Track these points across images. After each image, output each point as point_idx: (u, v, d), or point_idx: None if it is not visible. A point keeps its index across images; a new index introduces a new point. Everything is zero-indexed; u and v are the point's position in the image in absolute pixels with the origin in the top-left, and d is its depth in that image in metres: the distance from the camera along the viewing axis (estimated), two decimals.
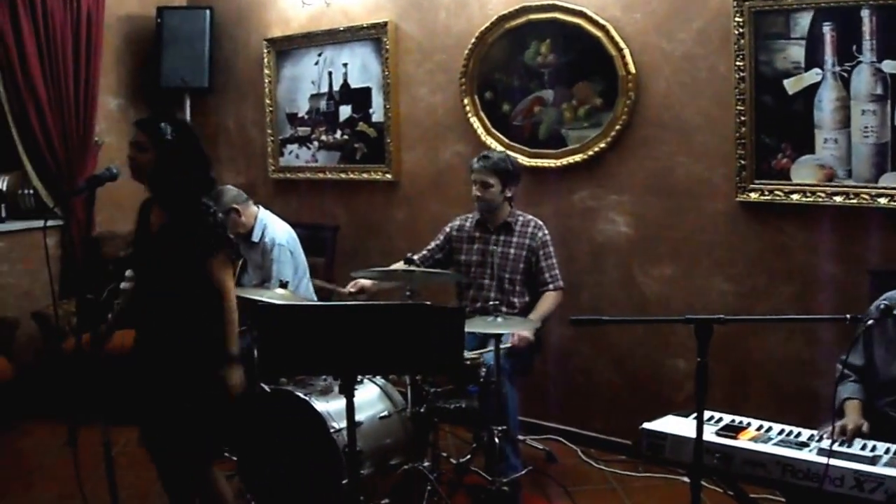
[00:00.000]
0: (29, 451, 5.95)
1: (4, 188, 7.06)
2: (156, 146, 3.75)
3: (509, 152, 5.60)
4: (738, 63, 4.84)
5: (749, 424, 3.56)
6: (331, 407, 4.43)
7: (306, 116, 7.12)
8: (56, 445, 5.89)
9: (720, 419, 3.65)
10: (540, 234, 5.26)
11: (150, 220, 3.92)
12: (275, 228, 5.69)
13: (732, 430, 3.45)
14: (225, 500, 4.07)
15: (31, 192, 7.02)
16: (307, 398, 4.47)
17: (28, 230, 6.88)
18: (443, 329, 3.33)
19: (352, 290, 5.22)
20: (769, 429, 3.53)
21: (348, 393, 3.47)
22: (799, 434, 3.46)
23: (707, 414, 3.36)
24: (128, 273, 6.23)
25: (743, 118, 4.87)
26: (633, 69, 5.29)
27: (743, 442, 3.35)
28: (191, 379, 3.79)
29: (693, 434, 3.07)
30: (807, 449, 3.26)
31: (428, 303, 3.47)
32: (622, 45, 5.30)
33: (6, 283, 6.84)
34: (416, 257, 5.22)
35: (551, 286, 5.21)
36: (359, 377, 4.56)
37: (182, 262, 3.74)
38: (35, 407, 6.46)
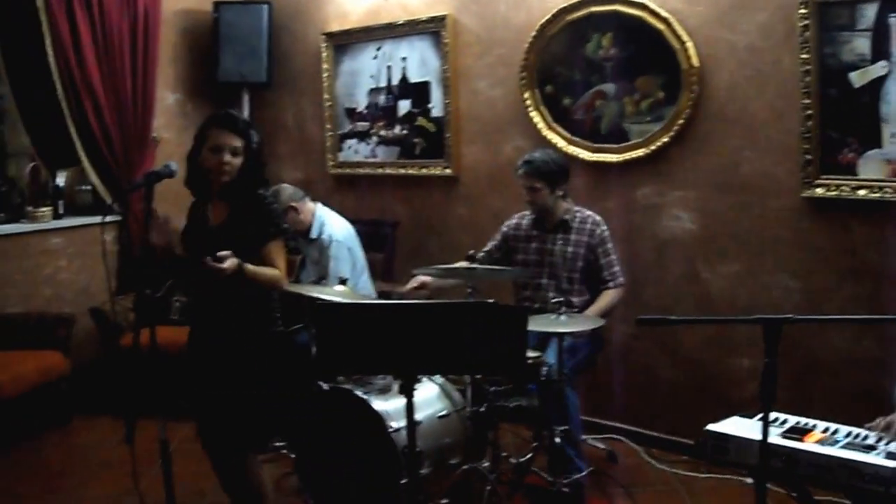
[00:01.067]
0: (85, 447, 6.10)
1: (62, 184, 7.24)
2: (246, 152, 3.95)
3: (548, 152, 5.63)
4: (802, 56, 4.87)
5: (815, 427, 3.54)
6: (389, 406, 4.51)
7: (365, 111, 7.25)
8: (112, 441, 6.06)
9: (785, 421, 3.64)
10: (598, 230, 5.28)
11: (208, 217, 4.08)
12: (332, 225, 5.80)
13: (798, 433, 3.43)
14: (264, 491, 4.21)
15: (89, 188, 7.22)
16: (365, 397, 4.56)
17: (86, 226, 7.08)
18: (506, 328, 3.34)
19: (413, 285, 5.30)
20: (836, 431, 3.50)
21: (408, 393, 3.52)
22: (866, 437, 3.43)
23: (772, 415, 3.38)
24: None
25: (808, 112, 4.89)
26: (696, 62, 5.34)
27: (809, 445, 3.32)
28: (252, 366, 3.95)
29: (758, 436, 3.07)
30: (874, 452, 3.23)
31: (491, 301, 3.49)
32: (685, 37, 5.34)
33: (64, 279, 7.04)
34: (473, 254, 5.23)
35: (611, 283, 5.24)
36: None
37: (244, 250, 3.86)
38: (92, 403, 6.66)
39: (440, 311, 3.41)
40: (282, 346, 4.08)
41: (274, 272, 3.94)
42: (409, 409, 3.55)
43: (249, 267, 3.83)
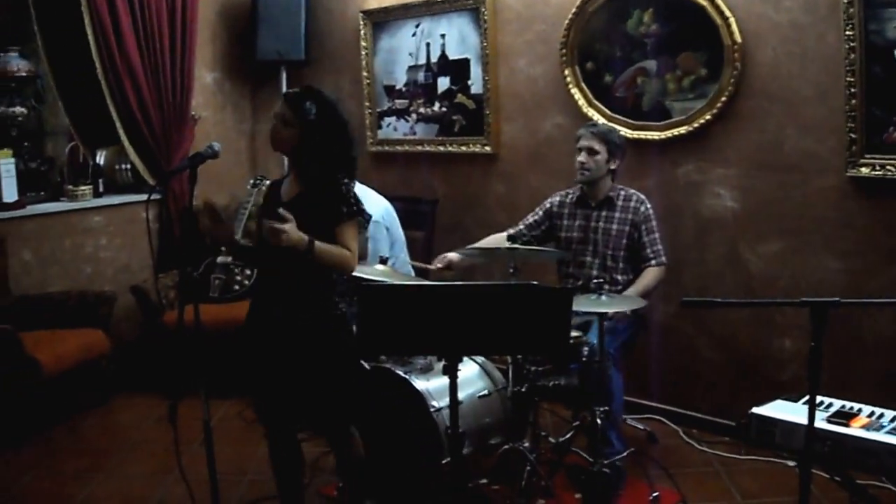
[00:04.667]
0: (125, 426, 6.22)
1: (102, 163, 7.34)
2: (299, 124, 3.93)
3: (613, 125, 5.67)
4: (847, 32, 4.81)
5: (860, 411, 3.55)
6: (431, 385, 4.58)
7: (404, 89, 7.27)
8: (152, 420, 6.17)
9: (830, 404, 3.65)
10: (642, 208, 5.30)
11: (281, 194, 4.12)
12: (370, 202, 5.75)
13: (844, 417, 3.44)
14: (362, 459, 4.27)
15: (128, 166, 7.32)
16: (407, 376, 4.62)
17: (126, 204, 7.20)
18: (550, 311, 3.35)
19: (439, 265, 5.31)
20: (881, 415, 3.51)
21: (452, 375, 3.52)
22: None
23: (817, 398, 3.38)
24: (223, 247, 6.47)
25: (853, 90, 4.84)
26: (738, 38, 5.30)
27: (855, 430, 3.34)
28: (325, 341, 3.99)
29: (804, 421, 3.08)
30: None
31: (535, 283, 3.48)
32: (727, 13, 5.30)
33: (104, 257, 7.15)
34: (512, 232, 5.24)
35: (654, 262, 5.25)
36: None
37: (316, 228, 3.89)
38: (132, 381, 6.78)
39: (485, 293, 3.42)
40: (344, 326, 4.09)
41: (344, 252, 3.93)
42: (453, 390, 3.55)
43: (320, 244, 3.84)
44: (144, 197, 7.06)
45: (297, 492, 4.38)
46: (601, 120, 5.87)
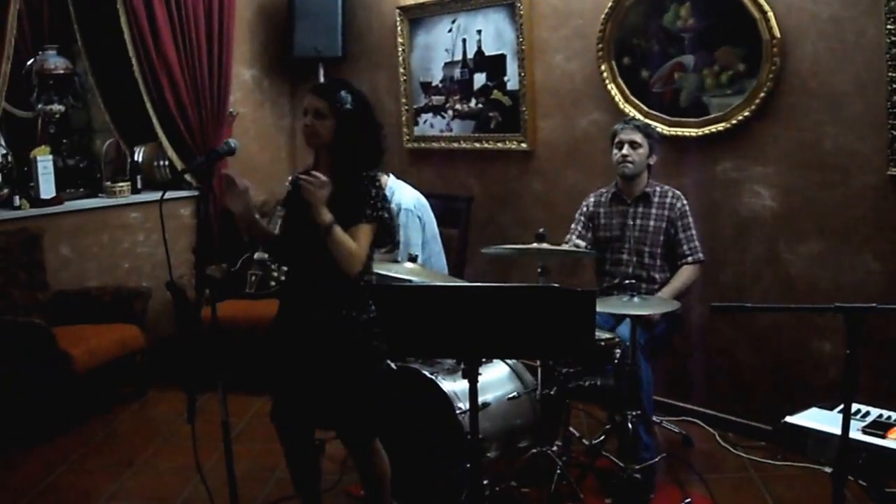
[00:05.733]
0: (159, 421, 6.19)
1: (140, 160, 7.34)
2: (336, 114, 3.79)
3: (649, 121, 5.54)
4: (888, 27, 4.65)
5: None
6: (458, 387, 4.45)
7: (440, 85, 7.18)
8: (185, 415, 6.10)
9: (867, 413, 3.50)
10: (679, 203, 5.21)
11: None
12: (403, 193, 5.73)
13: (880, 428, 3.30)
14: (386, 474, 4.14)
15: (166, 163, 7.31)
16: (433, 377, 4.51)
17: (163, 200, 7.10)
18: (573, 313, 3.25)
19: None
20: None
21: (472, 378, 3.44)
22: None
23: (853, 407, 3.21)
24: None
25: (894, 86, 4.68)
26: (777, 33, 5.14)
27: (891, 441, 3.21)
28: (339, 342, 3.86)
29: (838, 431, 2.95)
30: None
31: (556, 285, 3.38)
32: (766, 7, 5.15)
33: (141, 253, 7.16)
34: (567, 247, 5.18)
35: (690, 258, 5.16)
36: None
37: (340, 223, 3.75)
38: (168, 376, 6.75)
39: (505, 296, 3.33)
40: (363, 328, 3.93)
41: (355, 246, 3.73)
42: (473, 394, 3.48)
43: (339, 229, 3.68)
44: (183, 193, 7.26)
45: (315, 495, 4.30)
46: (638, 116, 5.73)
